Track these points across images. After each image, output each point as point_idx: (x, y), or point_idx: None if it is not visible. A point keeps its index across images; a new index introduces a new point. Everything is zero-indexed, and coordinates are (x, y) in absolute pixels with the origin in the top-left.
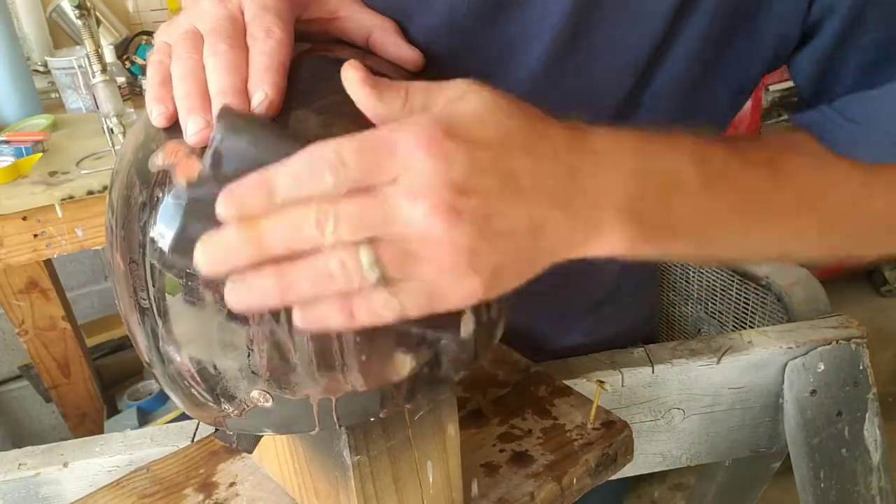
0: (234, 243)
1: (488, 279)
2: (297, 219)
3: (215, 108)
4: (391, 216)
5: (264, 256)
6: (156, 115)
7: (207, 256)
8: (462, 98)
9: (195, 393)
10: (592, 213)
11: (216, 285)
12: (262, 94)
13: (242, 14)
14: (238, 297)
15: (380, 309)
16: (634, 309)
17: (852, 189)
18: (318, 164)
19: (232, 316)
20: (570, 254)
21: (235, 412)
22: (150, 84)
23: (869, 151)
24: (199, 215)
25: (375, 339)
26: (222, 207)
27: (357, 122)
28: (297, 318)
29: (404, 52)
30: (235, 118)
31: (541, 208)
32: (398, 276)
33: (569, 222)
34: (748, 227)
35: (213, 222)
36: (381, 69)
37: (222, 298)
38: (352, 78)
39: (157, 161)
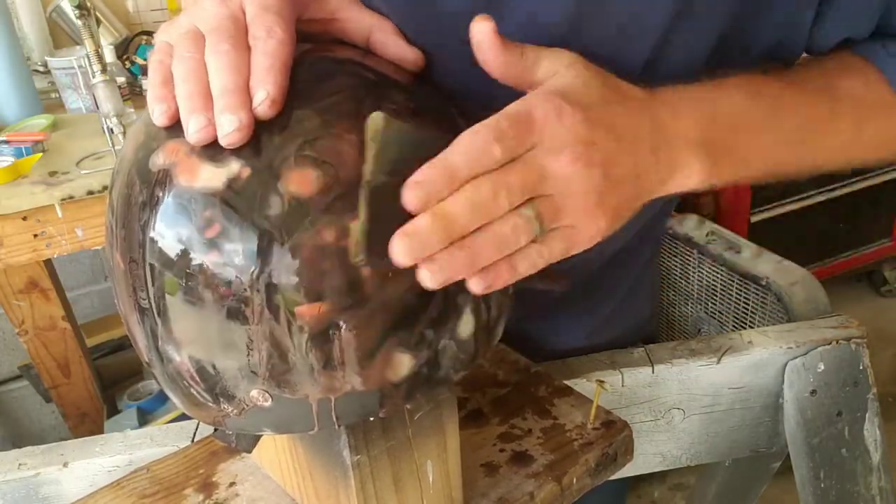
0: (428, 232)
1: (611, 217)
2: (478, 195)
3: (217, 107)
4: (543, 175)
5: (455, 237)
6: (158, 114)
7: (407, 251)
8: (564, 67)
9: (194, 392)
10: (674, 153)
11: (216, 286)
12: (263, 92)
13: (244, 14)
14: (434, 278)
15: (535, 258)
16: (635, 310)
17: None
18: (486, 140)
19: (231, 315)
20: (660, 191)
21: (234, 412)
22: (151, 84)
23: None
24: (381, 207)
25: (374, 339)
26: (411, 199)
27: (358, 121)
28: (474, 284)
29: (405, 52)
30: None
31: (639, 154)
32: (549, 226)
33: (659, 164)
34: (808, 148)
35: (396, 212)
36: (381, 68)
37: (221, 298)
38: (483, 30)
39: (158, 160)
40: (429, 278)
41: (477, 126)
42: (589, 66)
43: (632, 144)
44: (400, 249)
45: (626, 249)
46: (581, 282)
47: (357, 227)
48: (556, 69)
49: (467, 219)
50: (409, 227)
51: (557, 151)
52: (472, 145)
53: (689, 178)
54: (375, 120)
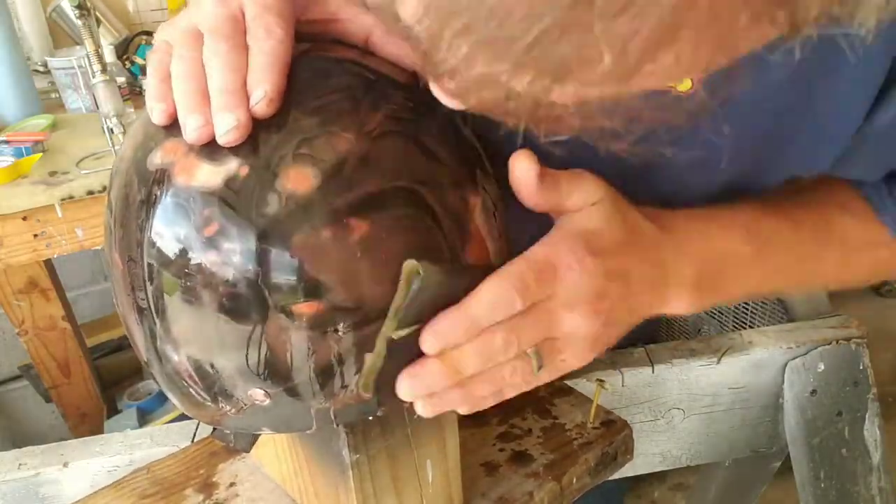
0: (436, 376)
1: (599, 352)
2: (491, 346)
3: (215, 106)
4: (554, 326)
5: (459, 380)
6: (156, 112)
7: (412, 390)
8: (589, 205)
9: (192, 392)
10: (669, 290)
11: (214, 285)
12: (261, 91)
13: (243, 14)
14: (428, 410)
15: (523, 387)
16: None
17: (886, 254)
18: (510, 294)
19: (229, 314)
20: (646, 316)
21: (233, 411)
22: (150, 82)
23: None
24: (396, 349)
25: (372, 337)
26: (429, 346)
27: (356, 121)
28: (462, 410)
29: (405, 52)
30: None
31: (641, 295)
32: (548, 363)
33: (653, 300)
34: (790, 280)
35: (410, 348)
36: (380, 68)
37: (220, 297)
38: (526, 172)
39: (156, 159)
40: (422, 409)
41: (502, 274)
42: (616, 202)
43: (636, 288)
44: (406, 388)
45: None
46: None
47: (370, 365)
48: (584, 203)
49: (476, 367)
50: (418, 368)
51: (573, 305)
52: (497, 299)
53: (676, 308)
54: (409, 270)
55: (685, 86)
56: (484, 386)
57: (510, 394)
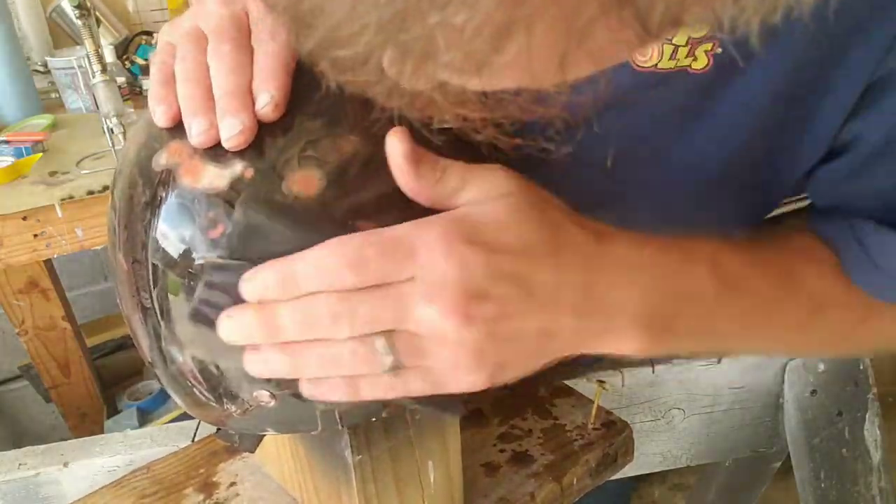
0: (251, 324)
1: (491, 374)
2: (313, 311)
3: (220, 110)
4: (405, 314)
5: (277, 339)
6: (159, 114)
7: (227, 331)
8: (492, 199)
9: (197, 392)
10: (607, 321)
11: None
12: (267, 95)
13: (247, 15)
14: (253, 367)
15: (385, 389)
16: None
17: (857, 313)
18: (339, 261)
19: None
20: (579, 351)
21: (238, 411)
22: (153, 84)
23: (890, 295)
24: (221, 284)
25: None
26: (243, 289)
27: (359, 124)
28: (303, 388)
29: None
30: (270, 197)
31: (553, 316)
32: (409, 364)
33: (581, 328)
34: (754, 331)
35: (233, 294)
36: None
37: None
38: (395, 151)
39: (161, 161)
40: (248, 365)
41: (347, 241)
42: (532, 200)
43: (545, 305)
44: (221, 325)
45: None
46: None
47: (198, 288)
48: (484, 198)
49: (294, 330)
50: (234, 309)
51: (431, 297)
52: (321, 262)
53: (622, 347)
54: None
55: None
56: (313, 362)
57: (370, 392)
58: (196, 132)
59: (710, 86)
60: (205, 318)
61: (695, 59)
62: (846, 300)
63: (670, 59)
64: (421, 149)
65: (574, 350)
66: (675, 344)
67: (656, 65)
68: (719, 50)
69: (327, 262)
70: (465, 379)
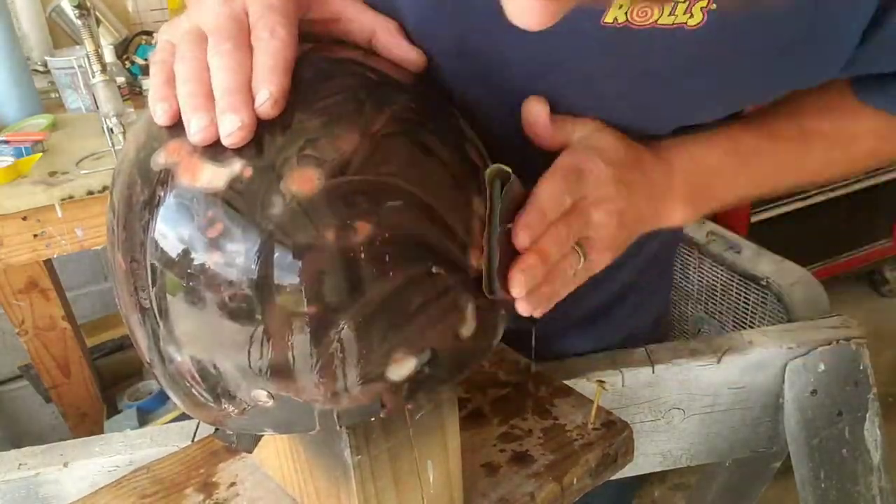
0: (535, 268)
1: (615, 253)
2: (560, 236)
3: (219, 107)
4: (588, 221)
5: (548, 269)
6: (159, 112)
7: (523, 284)
8: (598, 130)
9: (195, 392)
10: (665, 203)
11: (217, 286)
12: (266, 92)
13: (247, 14)
14: (535, 306)
15: (571, 285)
16: (644, 313)
17: (870, 144)
18: (562, 191)
19: (232, 316)
20: (651, 228)
21: (236, 412)
22: (153, 83)
23: None
24: (502, 247)
25: (376, 339)
26: (524, 240)
27: (360, 122)
28: (538, 312)
29: (407, 53)
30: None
31: (641, 205)
32: (585, 260)
33: (655, 211)
34: (777, 183)
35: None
36: (385, 70)
37: (223, 298)
38: (538, 111)
39: (159, 160)
40: (529, 307)
41: (549, 177)
42: (614, 131)
43: (639, 198)
44: (519, 282)
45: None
46: (589, 287)
47: (488, 266)
48: (588, 132)
49: (555, 256)
50: (523, 264)
51: (599, 204)
52: (554, 195)
53: (674, 219)
54: (492, 173)
55: None
56: (556, 280)
57: (564, 292)
58: (195, 129)
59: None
60: None
61: (691, 16)
62: (859, 131)
63: (669, 14)
64: (548, 111)
65: (648, 228)
66: (709, 208)
67: (656, 21)
68: (713, 6)
69: (557, 194)
70: (606, 260)
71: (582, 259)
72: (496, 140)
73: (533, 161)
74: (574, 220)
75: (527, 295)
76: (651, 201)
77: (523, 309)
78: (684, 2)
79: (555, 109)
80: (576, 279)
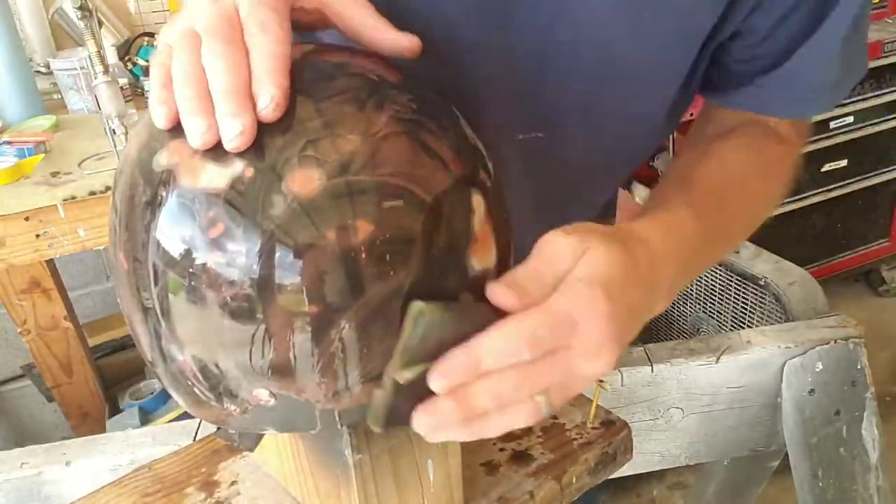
0: (448, 413)
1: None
2: (501, 387)
3: (220, 112)
4: (573, 373)
5: (470, 417)
6: (159, 117)
7: (426, 426)
8: (592, 250)
9: (197, 392)
10: (659, 304)
11: (219, 285)
12: (268, 96)
13: (237, 11)
14: (434, 437)
15: (529, 423)
16: None
17: (769, 194)
18: (519, 345)
19: (234, 315)
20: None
21: (238, 411)
22: (152, 86)
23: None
24: (410, 389)
25: (376, 338)
26: (436, 385)
27: (361, 123)
28: (466, 439)
29: (400, 40)
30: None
31: (641, 320)
32: (557, 405)
33: (649, 315)
34: (716, 256)
35: (419, 385)
36: (382, 69)
37: (224, 298)
38: (503, 301)
39: (161, 160)
40: (430, 436)
41: (515, 324)
42: (611, 243)
43: (639, 315)
44: (420, 423)
45: None
46: None
47: (379, 401)
48: (583, 253)
49: (487, 406)
50: (431, 406)
51: (593, 358)
52: (505, 346)
53: (659, 311)
54: (415, 312)
55: None
56: (497, 426)
57: (517, 426)
58: (195, 134)
59: None
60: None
61: None
62: (759, 188)
63: None
64: (513, 277)
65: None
66: (682, 287)
67: None
68: None
69: (511, 346)
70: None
71: (546, 410)
72: (496, 135)
73: (532, 155)
74: (542, 374)
75: (439, 431)
76: (650, 310)
77: (428, 436)
78: None
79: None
80: (535, 419)
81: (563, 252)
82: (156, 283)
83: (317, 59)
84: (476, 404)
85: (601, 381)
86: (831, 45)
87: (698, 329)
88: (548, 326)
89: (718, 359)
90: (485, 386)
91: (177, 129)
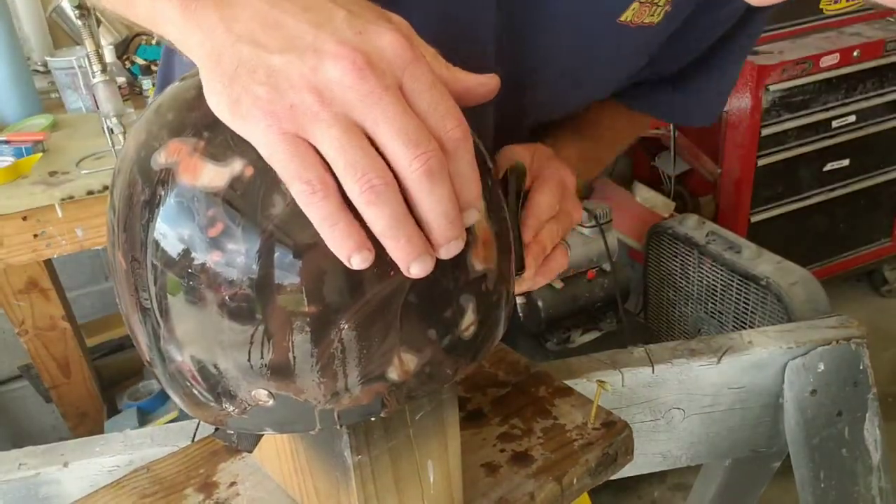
0: (539, 255)
1: None
2: (552, 232)
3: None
4: (571, 222)
5: (546, 254)
6: (361, 262)
7: (531, 266)
8: (550, 157)
9: (196, 392)
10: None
11: (218, 285)
12: (475, 213)
13: (399, 82)
14: (536, 283)
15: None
16: None
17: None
18: (555, 202)
19: (233, 315)
20: None
21: (236, 411)
22: (319, 214)
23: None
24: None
25: (376, 339)
26: (526, 235)
27: None
28: (529, 284)
29: (480, 83)
30: None
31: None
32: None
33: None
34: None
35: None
36: None
37: (223, 298)
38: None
39: (160, 159)
40: (532, 284)
41: (545, 189)
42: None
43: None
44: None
45: None
46: None
47: (516, 247)
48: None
49: (549, 246)
50: (530, 252)
51: (574, 208)
52: (549, 203)
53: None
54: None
55: None
56: (551, 262)
57: (558, 270)
58: (418, 272)
59: (657, 34)
60: None
61: (656, 17)
62: (622, 126)
63: (651, 15)
64: None
65: None
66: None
67: (642, 20)
68: (669, 9)
69: (553, 204)
70: None
71: (568, 248)
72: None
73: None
74: (562, 223)
75: (534, 275)
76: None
77: (528, 285)
78: (663, 5)
79: (552, 74)
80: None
81: (522, 149)
82: (154, 283)
83: None
84: (545, 244)
85: (602, 381)
86: (725, 66)
87: (699, 329)
88: (561, 188)
89: (720, 359)
90: (548, 232)
91: (176, 128)
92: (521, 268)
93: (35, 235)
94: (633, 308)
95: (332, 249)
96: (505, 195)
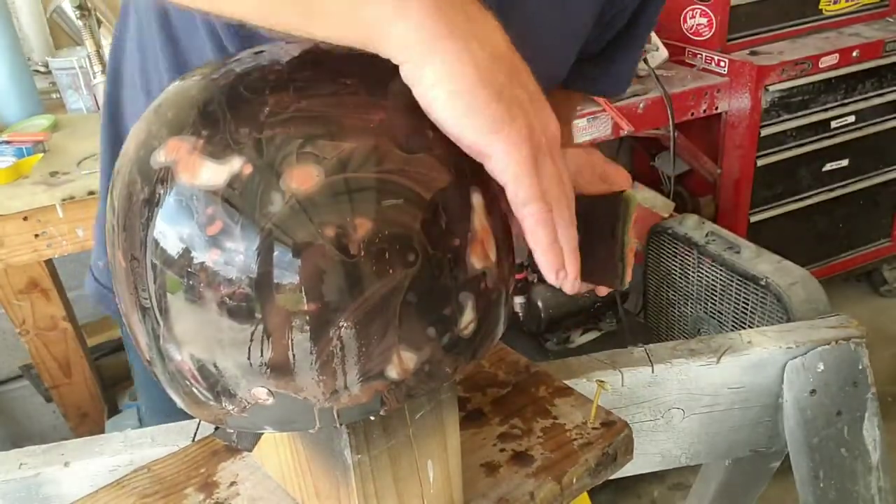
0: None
1: None
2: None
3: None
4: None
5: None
6: (571, 284)
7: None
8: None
9: (195, 391)
10: None
11: (217, 284)
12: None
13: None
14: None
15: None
16: None
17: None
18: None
19: (232, 314)
20: None
21: (236, 410)
22: (550, 245)
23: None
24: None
25: (375, 337)
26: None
27: (356, 121)
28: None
29: (618, 175)
30: None
31: None
32: None
33: None
34: None
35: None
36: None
37: (223, 296)
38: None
39: (159, 158)
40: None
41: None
42: None
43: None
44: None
45: None
46: None
47: (621, 270)
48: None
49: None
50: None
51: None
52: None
53: None
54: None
55: None
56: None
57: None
58: (570, 289)
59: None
60: None
61: None
62: None
63: None
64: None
65: None
66: None
67: None
68: None
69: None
70: None
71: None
72: None
73: None
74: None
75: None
76: None
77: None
78: None
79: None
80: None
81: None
82: (154, 282)
83: (317, 57)
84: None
85: (601, 381)
86: (637, 44)
87: (699, 329)
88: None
89: (719, 359)
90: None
91: (175, 127)
92: (622, 284)
93: (36, 235)
94: (632, 308)
95: (547, 264)
96: (615, 219)
